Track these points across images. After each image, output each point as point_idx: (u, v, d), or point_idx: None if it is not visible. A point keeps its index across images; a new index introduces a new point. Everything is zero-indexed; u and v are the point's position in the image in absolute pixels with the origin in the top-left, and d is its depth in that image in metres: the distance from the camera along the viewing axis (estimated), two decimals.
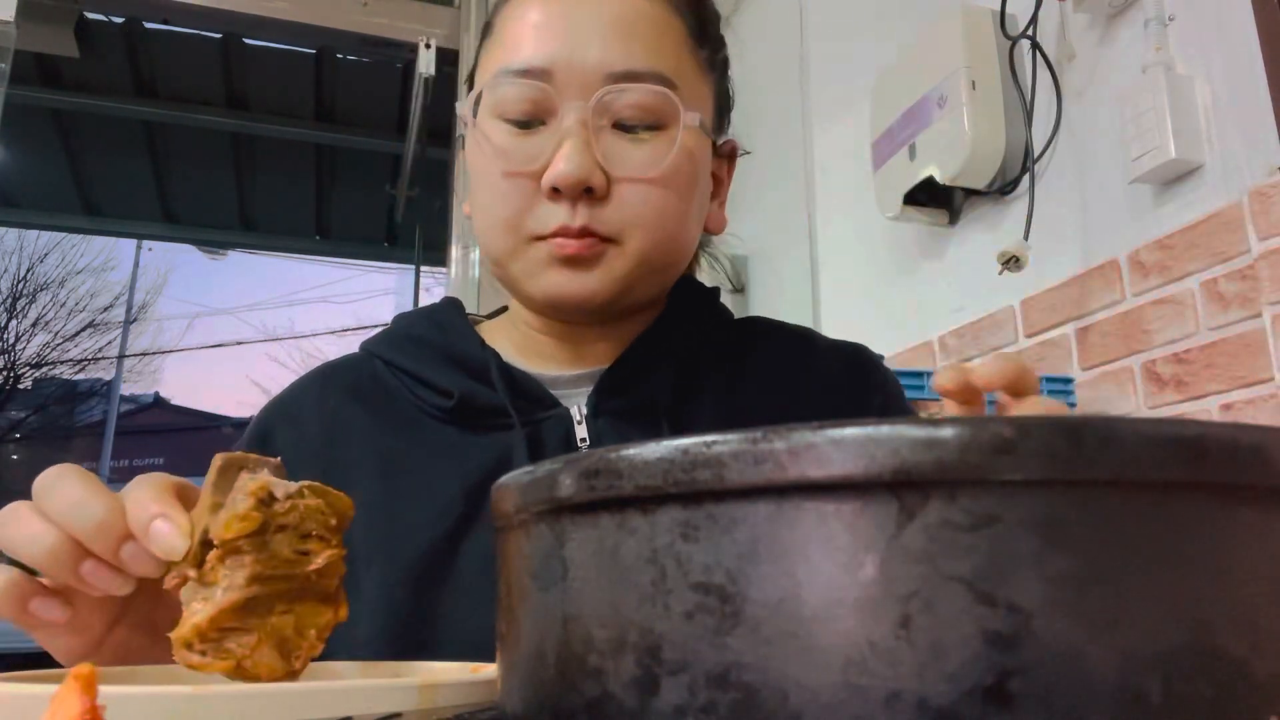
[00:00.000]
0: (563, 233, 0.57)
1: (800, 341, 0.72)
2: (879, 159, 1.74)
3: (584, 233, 0.57)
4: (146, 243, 10.51)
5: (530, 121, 0.59)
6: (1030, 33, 1.46)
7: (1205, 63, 1.22)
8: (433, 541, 0.58)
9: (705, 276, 0.81)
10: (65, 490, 0.37)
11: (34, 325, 10.52)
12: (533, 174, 0.58)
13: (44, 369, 10.87)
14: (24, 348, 10.49)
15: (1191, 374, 1.20)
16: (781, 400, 0.66)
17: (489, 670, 0.34)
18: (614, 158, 0.58)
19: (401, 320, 0.70)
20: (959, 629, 0.19)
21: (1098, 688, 0.18)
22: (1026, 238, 1.42)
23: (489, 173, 0.60)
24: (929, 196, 1.63)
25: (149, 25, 3.39)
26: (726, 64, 0.69)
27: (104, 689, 0.22)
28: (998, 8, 1.53)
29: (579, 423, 0.62)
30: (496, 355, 0.64)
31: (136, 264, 11.59)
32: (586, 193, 0.57)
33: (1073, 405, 1.37)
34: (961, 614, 0.19)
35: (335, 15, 2.80)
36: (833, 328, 2.12)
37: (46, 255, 10.47)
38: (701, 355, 0.67)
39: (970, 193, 1.60)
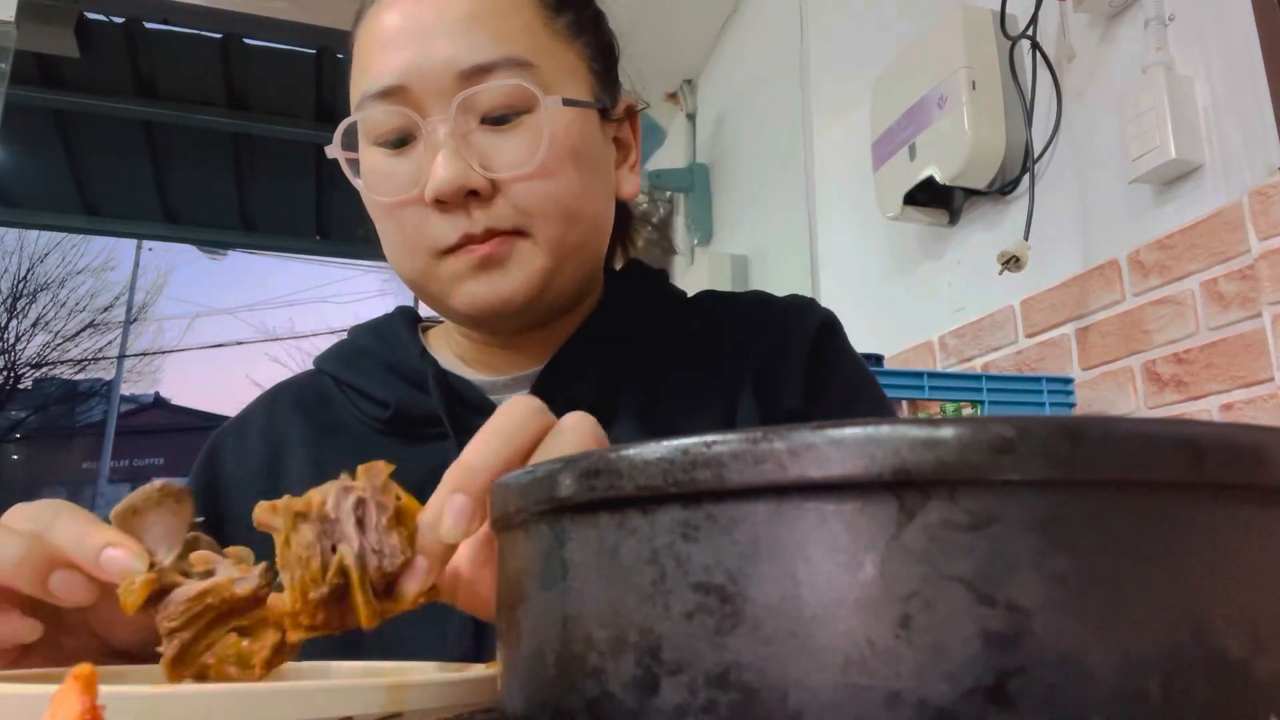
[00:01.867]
0: (469, 241, 0.57)
1: (723, 306, 0.70)
2: (879, 159, 1.74)
3: (489, 234, 0.56)
4: (146, 243, 10.52)
5: (403, 139, 0.58)
6: (1030, 33, 1.46)
7: (1205, 63, 1.22)
8: None
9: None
10: None
11: (34, 325, 10.54)
12: (417, 197, 0.57)
13: (44, 369, 10.89)
14: (24, 348, 10.50)
15: (1191, 374, 1.20)
16: (693, 379, 0.65)
17: (473, 670, 0.34)
18: (490, 157, 0.57)
19: (352, 332, 0.71)
20: (959, 629, 0.19)
21: (1098, 688, 0.18)
22: (1026, 238, 1.42)
23: (379, 203, 0.59)
24: (929, 196, 1.64)
25: (149, 25, 3.39)
26: (599, 18, 0.66)
27: (104, 689, 0.22)
28: (998, 8, 1.53)
29: None
30: (434, 363, 0.64)
31: (136, 264, 11.62)
32: (473, 196, 0.56)
33: (1072, 406, 1.37)
34: (961, 614, 0.19)
35: (335, 15, 2.80)
36: None
37: (46, 255, 10.49)
38: (633, 347, 0.65)
39: (970, 193, 1.60)
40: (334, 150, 0.60)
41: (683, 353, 0.66)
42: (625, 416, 0.62)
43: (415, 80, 0.56)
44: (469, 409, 0.62)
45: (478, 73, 0.56)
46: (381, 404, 0.63)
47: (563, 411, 0.60)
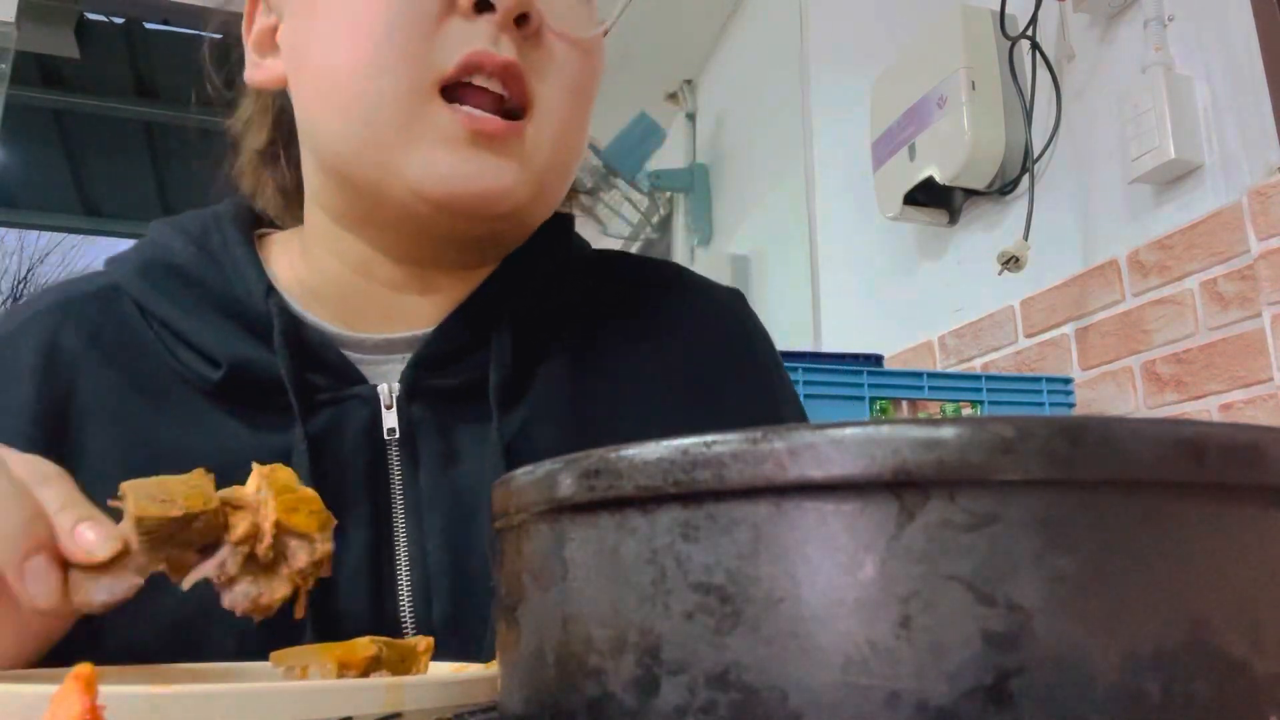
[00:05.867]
0: (479, 66, 0.44)
1: (663, 291, 0.59)
2: (879, 159, 1.74)
3: (509, 75, 0.44)
4: None
5: None
6: (1030, 33, 1.46)
7: (1205, 63, 1.22)
8: (178, 590, 0.44)
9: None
10: None
11: None
12: (440, 5, 0.44)
13: None
14: None
15: (1191, 374, 1.20)
16: (637, 369, 0.54)
17: (473, 670, 0.34)
18: (547, 5, 0.47)
19: (163, 235, 0.52)
20: (959, 629, 0.19)
21: (1098, 688, 0.18)
22: (1026, 238, 1.42)
23: (370, 5, 0.44)
24: (929, 196, 1.64)
25: (149, 25, 3.39)
26: None
27: (104, 689, 0.22)
28: (998, 8, 1.53)
29: (388, 407, 0.49)
30: (284, 309, 0.49)
31: None
32: (518, 25, 0.45)
33: (1072, 406, 1.37)
34: (961, 614, 0.19)
35: None
36: (833, 328, 2.13)
37: (47, 256, 10.48)
38: (547, 313, 0.53)
39: (970, 193, 1.60)
40: None
41: (616, 336, 0.55)
42: (540, 411, 0.51)
43: None
44: (329, 376, 0.48)
45: None
46: (210, 360, 0.48)
47: (457, 392, 0.49)
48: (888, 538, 0.19)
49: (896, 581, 0.19)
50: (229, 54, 0.57)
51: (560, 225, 0.56)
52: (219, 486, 0.41)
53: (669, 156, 3.15)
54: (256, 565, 0.35)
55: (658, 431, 0.22)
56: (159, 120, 4.07)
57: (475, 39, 0.44)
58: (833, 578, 0.19)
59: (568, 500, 0.23)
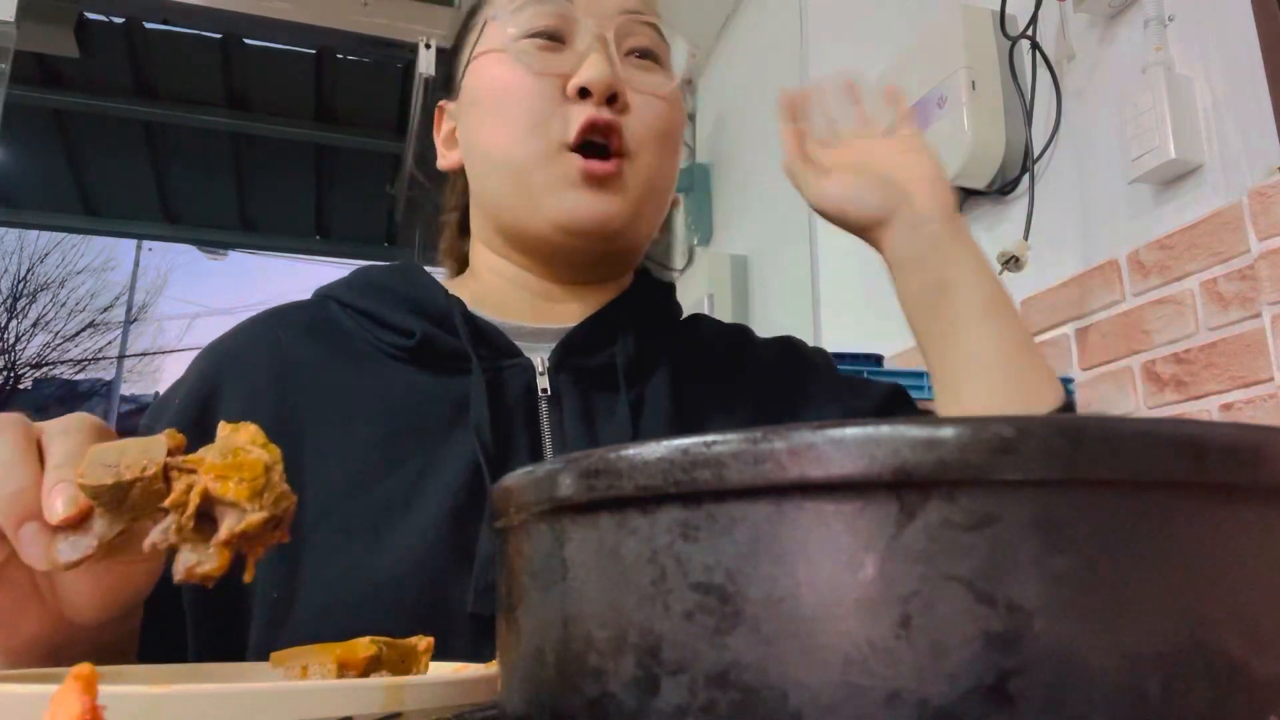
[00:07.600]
0: (591, 127, 0.61)
1: (740, 334, 0.77)
2: None
3: (610, 130, 0.61)
4: (146, 243, 10.49)
5: (553, 35, 0.63)
6: (1030, 33, 1.46)
7: (1205, 63, 1.22)
8: (389, 485, 0.56)
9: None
10: None
11: (34, 325, 10.51)
12: (559, 86, 0.62)
13: (44, 369, 10.86)
14: (24, 348, 10.48)
15: (1191, 374, 1.20)
16: (727, 381, 0.69)
17: (472, 669, 0.34)
18: (629, 79, 0.64)
19: (361, 271, 0.69)
20: (959, 629, 0.19)
21: (1098, 688, 0.18)
22: (1026, 238, 1.42)
23: (513, 80, 0.63)
24: None
25: (149, 25, 3.40)
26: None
27: (104, 689, 0.22)
28: (998, 8, 1.53)
29: (541, 374, 0.62)
30: (460, 303, 0.64)
31: (136, 264, 11.58)
32: (610, 103, 0.62)
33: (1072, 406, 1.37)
34: (961, 614, 0.19)
35: (335, 15, 2.80)
36: (833, 327, 2.12)
37: (46, 255, 10.47)
38: (660, 334, 0.69)
39: (970, 193, 1.60)
40: (464, 59, 0.67)
41: (709, 359, 0.70)
42: (657, 398, 0.64)
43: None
44: (495, 351, 0.62)
45: (638, 18, 0.66)
46: (405, 333, 0.62)
47: (594, 371, 0.64)
48: (888, 538, 0.19)
49: (896, 581, 0.19)
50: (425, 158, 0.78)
51: (661, 284, 0.74)
52: (408, 420, 0.57)
53: None
54: (198, 533, 0.34)
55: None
56: (159, 120, 4.08)
57: (585, 112, 0.61)
58: (833, 578, 0.19)
59: (568, 500, 0.23)
